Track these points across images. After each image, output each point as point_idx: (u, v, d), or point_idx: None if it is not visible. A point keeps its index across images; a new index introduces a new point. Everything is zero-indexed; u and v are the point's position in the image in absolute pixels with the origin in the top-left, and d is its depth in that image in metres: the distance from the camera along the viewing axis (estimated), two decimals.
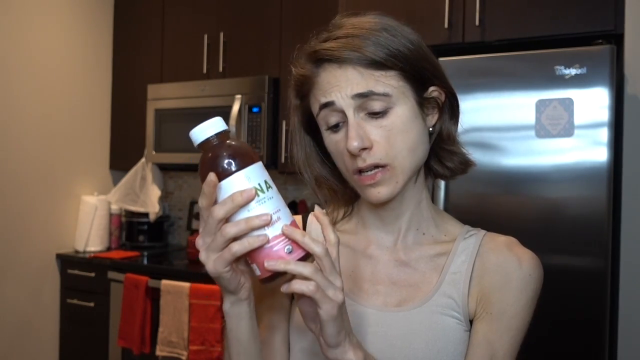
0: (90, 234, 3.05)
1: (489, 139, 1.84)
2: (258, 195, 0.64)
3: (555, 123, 1.75)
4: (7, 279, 2.76)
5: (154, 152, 3.01)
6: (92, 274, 2.87)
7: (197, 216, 3.18)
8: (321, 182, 0.84)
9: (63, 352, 3.02)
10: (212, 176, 0.62)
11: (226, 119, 2.71)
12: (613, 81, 1.70)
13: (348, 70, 0.72)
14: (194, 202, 3.26)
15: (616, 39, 1.82)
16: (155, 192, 3.11)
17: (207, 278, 2.47)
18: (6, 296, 2.76)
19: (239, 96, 2.73)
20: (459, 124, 0.82)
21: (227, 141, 0.66)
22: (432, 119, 0.78)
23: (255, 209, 0.64)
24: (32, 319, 2.89)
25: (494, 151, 1.83)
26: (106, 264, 2.83)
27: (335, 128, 0.75)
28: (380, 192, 0.75)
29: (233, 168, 0.64)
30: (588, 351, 1.72)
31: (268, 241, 0.64)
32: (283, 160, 2.70)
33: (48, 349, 2.98)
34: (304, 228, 0.88)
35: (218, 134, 0.65)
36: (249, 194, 0.62)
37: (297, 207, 2.92)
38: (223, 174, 0.64)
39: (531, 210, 1.78)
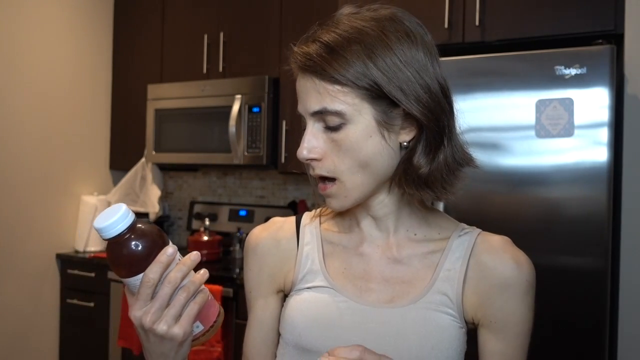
0: (90, 234, 3.05)
1: (489, 139, 1.84)
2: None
3: (555, 123, 1.75)
4: (7, 279, 2.76)
5: (154, 152, 3.01)
6: (92, 274, 2.87)
7: (197, 216, 3.18)
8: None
9: (63, 352, 3.02)
10: (170, 249, 0.67)
11: (226, 119, 2.71)
12: (613, 81, 1.70)
13: (308, 82, 0.74)
14: (194, 202, 3.27)
15: (616, 39, 1.82)
16: (155, 192, 3.11)
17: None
18: (6, 296, 2.76)
19: (239, 96, 2.73)
20: (435, 163, 0.75)
21: (138, 225, 0.67)
22: (407, 135, 0.76)
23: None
24: (32, 319, 2.89)
25: (494, 151, 1.83)
26: (106, 264, 2.82)
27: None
28: (331, 204, 0.79)
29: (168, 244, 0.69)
30: (588, 351, 1.72)
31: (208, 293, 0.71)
32: (283, 160, 2.70)
33: (48, 349, 2.98)
34: (297, 228, 0.89)
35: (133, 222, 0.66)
36: (197, 255, 0.71)
37: (297, 207, 2.92)
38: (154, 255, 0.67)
39: (531, 210, 1.78)
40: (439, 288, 0.79)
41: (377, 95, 0.72)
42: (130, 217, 0.65)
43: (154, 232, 0.67)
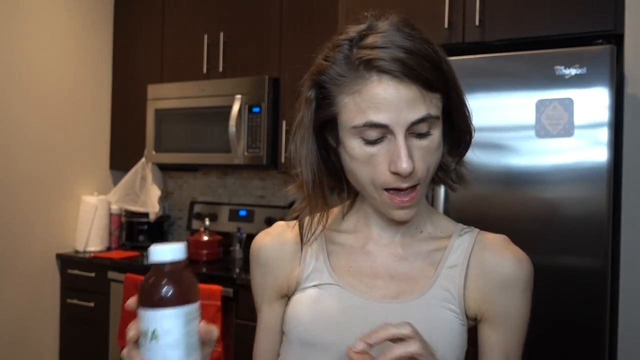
0: (90, 234, 3.05)
1: (489, 139, 1.84)
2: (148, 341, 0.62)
3: (555, 123, 1.75)
4: (7, 279, 2.76)
5: (154, 152, 3.01)
6: (92, 274, 2.87)
7: (197, 216, 3.18)
8: (315, 182, 0.82)
9: (63, 352, 3.02)
10: (131, 302, 0.64)
11: (226, 119, 2.71)
12: (613, 81, 1.70)
13: (412, 89, 0.69)
14: (194, 202, 3.27)
15: (616, 39, 1.82)
16: (155, 192, 3.11)
17: (206, 278, 2.48)
18: (6, 296, 2.76)
19: (239, 96, 2.73)
20: (462, 157, 0.84)
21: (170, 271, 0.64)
22: None
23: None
24: (32, 319, 2.89)
25: (493, 151, 1.83)
26: (106, 264, 2.83)
27: (374, 141, 0.73)
28: (408, 214, 0.77)
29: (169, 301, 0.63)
30: (588, 351, 1.71)
31: None
32: (283, 160, 2.70)
33: (48, 349, 2.98)
34: (301, 231, 0.88)
35: (172, 262, 0.64)
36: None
37: None
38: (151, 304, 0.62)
39: (531, 210, 1.78)
40: (441, 284, 0.80)
41: (449, 97, 0.76)
42: (184, 255, 0.65)
43: (194, 282, 0.65)
